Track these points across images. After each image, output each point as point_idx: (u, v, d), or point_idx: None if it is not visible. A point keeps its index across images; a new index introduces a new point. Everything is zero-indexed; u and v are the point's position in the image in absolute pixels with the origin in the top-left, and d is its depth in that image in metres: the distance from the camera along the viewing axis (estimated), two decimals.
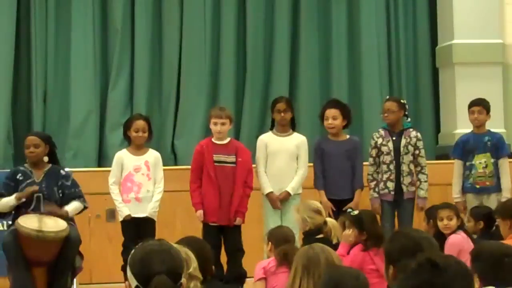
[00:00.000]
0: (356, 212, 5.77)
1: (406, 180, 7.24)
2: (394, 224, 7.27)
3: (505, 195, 7.26)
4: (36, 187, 6.41)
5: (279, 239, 5.29)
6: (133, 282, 2.75)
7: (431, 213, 6.42)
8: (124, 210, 6.93)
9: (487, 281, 3.25)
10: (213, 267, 4.01)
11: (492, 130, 7.65)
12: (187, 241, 4.19)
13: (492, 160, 7.41)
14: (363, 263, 5.28)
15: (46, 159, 6.60)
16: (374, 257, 5.32)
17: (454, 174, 7.50)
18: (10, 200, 6.40)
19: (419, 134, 7.42)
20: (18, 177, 6.53)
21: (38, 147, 6.57)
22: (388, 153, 7.26)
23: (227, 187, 7.00)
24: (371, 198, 7.28)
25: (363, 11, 9.46)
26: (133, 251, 2.83)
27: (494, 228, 6.45)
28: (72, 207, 6.51)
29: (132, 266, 2.78)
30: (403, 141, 7.28)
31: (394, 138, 7.30)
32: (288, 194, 7.11)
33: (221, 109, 7.29)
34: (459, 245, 5.87)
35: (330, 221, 5.83)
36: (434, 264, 2.44)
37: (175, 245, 3.01)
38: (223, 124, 7.09)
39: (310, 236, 5.68)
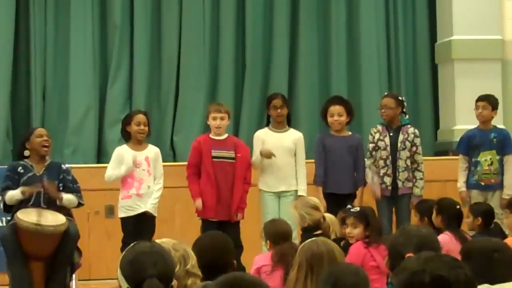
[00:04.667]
0: (357, 208, 5.75)
1: (402, 175, 7.25)
2: (392, 219, 7.28)
3: (507, 192, 7.25)
4: (40, 185, 6.40)
5: (276, 236, 5.30)
6: (124, 284, 2.73)
7: (423, 209, 6.39)
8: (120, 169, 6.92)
9: (480, 278, 3.22)
10: (235, 261, 3.99)
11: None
12: (210, 237, 4.19)
13: (498, 157, 7.40)
14: (364, 260, 5.28)
15: (50, 156, 6.67)
16: (374, 253, 5.33)
17: (459, 168, 7.48)
18: (16, 194, 6.41)
19: (417, 131, 7.42)
20: (19, 170, 6.54)
21: (50, 138, 6.68)
22: (384, 148, 7.28)
23: (225, 182, 7.01)
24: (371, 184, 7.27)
25: (362, 7, 9.45)
26: (123, 253, 2.81)
27: (493, 225, 6.44)
28: (68, 196, 6.52)
29: (123, 269, 2.75)
30: (400, 137, 7.29)
31: (391, 134, 7.31)
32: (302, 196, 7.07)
33: (220, 104, 7.34)
34: (445, 245, 5.84)
35: (329, 216, 5.81)
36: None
37: (170, 244, 2.99)
38: (222, 118, 7.10)
39: (308, 232, 5.66)
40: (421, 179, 7.28)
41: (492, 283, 3.16)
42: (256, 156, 7.22)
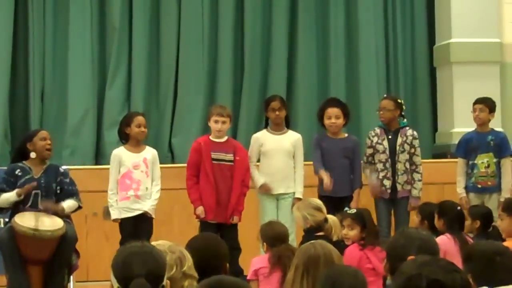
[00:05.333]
0: (353, 210, 5.76)
1: (402, 178, 7.24)
2: (390, 222, 7.27)
3: (504, 195, 7.25)
4: (35, 183, 6.40)
5: (273, 239, 5.30)
6: (115, 284, 2.75)
7: (426, 212, 6.39)
8: (113, 214, 6.94)
9: (481, 281, 3.22)
10: (228, 264, 3.99)
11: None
12: (203, 238, 4.19)
13: (495, 160, 7.40)
14: (360, 262, 5.28)
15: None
16: (370, 255, 5.33)
17: (458, 172, 7.49)
18: (11, 196, 6.39)
19: (415, 133, 7.41)
20: (17, 172, 6.52)
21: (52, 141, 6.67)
22: (383, 152, 7.27)
23: (224, 184, 7.01)
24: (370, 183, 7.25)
25: (361, 10, 9.46)
26: (115, 253, 2.83)
27: (491, 228, 6.44)
28: (69, 204, 6.52)
29: (113, 268, 2.77)
30: (399, 140, 7.29)
31: (390, 137, 7.30)
32: (299, 199, 7.05)
33: (222, 108, 7.28)
34: (444, 246, 5.83)
35: (331, 218, 5.82)
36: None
37: (166, 245, 2.98)
38: (224, 122, 7.09)
39: (310, 233, 5.67)
40: (419, 180, 7.28)
41: (493, 286, 3.16)
42: (256, 183, 7.20)
